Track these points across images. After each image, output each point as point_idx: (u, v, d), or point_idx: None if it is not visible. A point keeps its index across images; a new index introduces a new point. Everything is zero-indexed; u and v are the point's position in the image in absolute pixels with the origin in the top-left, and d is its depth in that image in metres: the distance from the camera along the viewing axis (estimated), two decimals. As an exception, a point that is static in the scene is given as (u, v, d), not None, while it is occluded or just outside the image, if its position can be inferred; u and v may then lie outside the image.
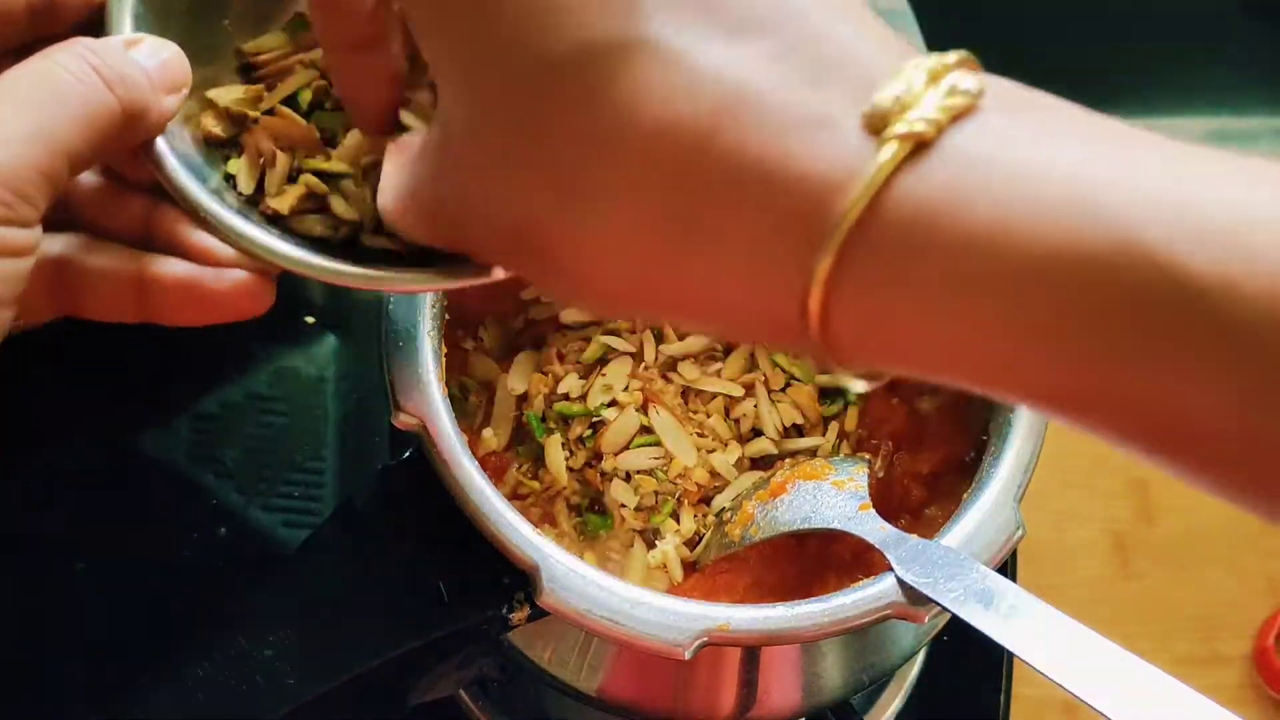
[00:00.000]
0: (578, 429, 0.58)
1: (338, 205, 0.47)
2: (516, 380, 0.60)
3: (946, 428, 0.60)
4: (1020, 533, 0.51)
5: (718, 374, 0.60)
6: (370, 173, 0.47)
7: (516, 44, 0.32)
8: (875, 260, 0.29)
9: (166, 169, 0.43)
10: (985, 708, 0.71)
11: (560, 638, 0.55)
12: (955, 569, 0.48)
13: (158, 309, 0.45)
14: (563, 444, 0.58)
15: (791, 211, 0.30)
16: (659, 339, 0.60)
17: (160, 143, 0.43)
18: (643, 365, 0.59)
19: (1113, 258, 0.27)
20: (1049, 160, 0.28)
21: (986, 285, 0.28)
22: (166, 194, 0.44)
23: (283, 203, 0.46)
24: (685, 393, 0.59)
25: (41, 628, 0.68)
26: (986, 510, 0.52)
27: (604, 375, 0.59)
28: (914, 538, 0.50)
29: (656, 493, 0.57)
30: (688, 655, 0.48)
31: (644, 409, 0.58)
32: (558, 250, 0.33)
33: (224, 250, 0.44)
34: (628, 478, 0.57)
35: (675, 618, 0.49)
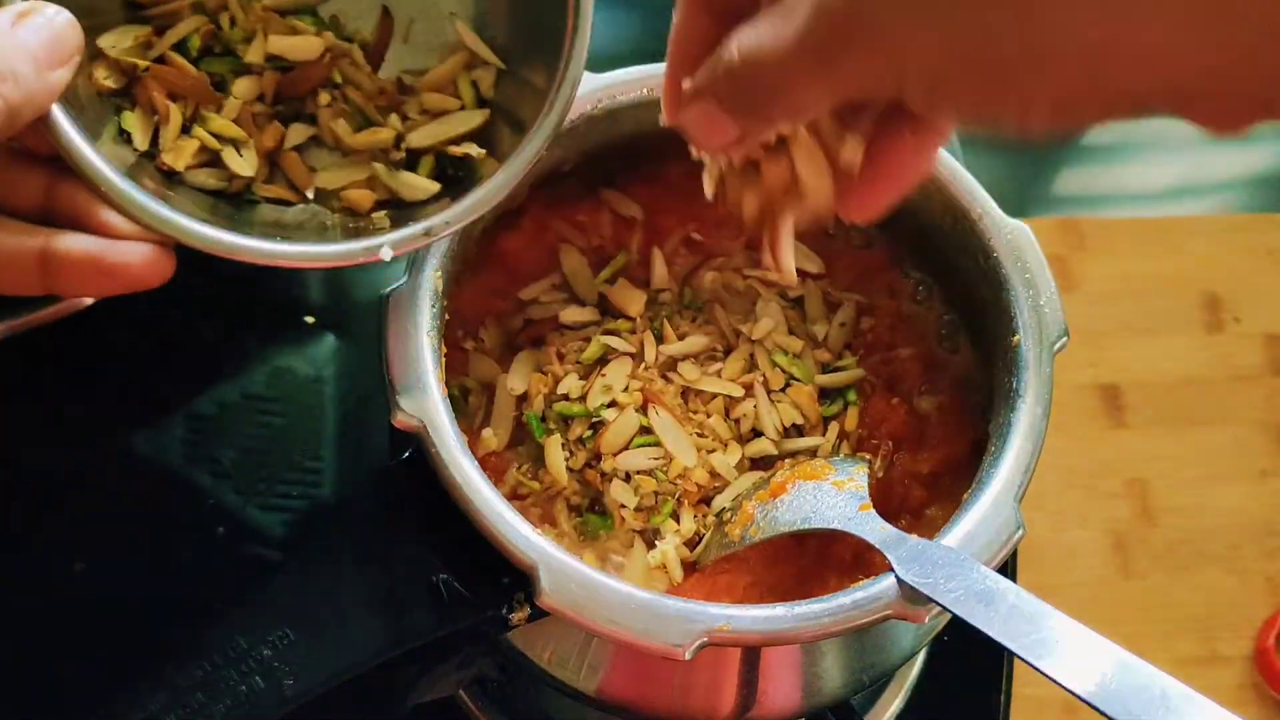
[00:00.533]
0: (577, 429, 0.58)
1: (231, 159, 0.47)
2: (516, 380, 0.60)
3: (946, 428, 0.60)
4: (1020, 533, 0.51)
5: (718, 374, 0.60)
6: (263, 121, 0.49)
7: None
8: None
9: (64, 139, 0.43)
10: (985, 708, 0.71)
11: (560, 638, 0.55)
12: (955, 569, 0.48)
13: (61, 282, 0.45)
14: (562, 444, 0.58)
15: None
16: (659, 339, 0.60)
17: (56, 111, 0.43)
18: (643, 365, 0.59)
19: None
20: None
21: None
22: (67, 166, 0.44)
23: (178, 159, 0.47)
24: (685, 393, 0.59)
25: (41, 628, 0.67)
26: (986, 510, 0.52)
27: (604, 375, 0.59)
28: (914, 538, 0.50)
29: (656, 493, 0.57)
30: (688, 655, 0.48)
31: (644, 409, 0.58)
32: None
33: (125, 223, 0.45)
34: (627, 478, 0.57)
35: (675, 618, 0.49)
